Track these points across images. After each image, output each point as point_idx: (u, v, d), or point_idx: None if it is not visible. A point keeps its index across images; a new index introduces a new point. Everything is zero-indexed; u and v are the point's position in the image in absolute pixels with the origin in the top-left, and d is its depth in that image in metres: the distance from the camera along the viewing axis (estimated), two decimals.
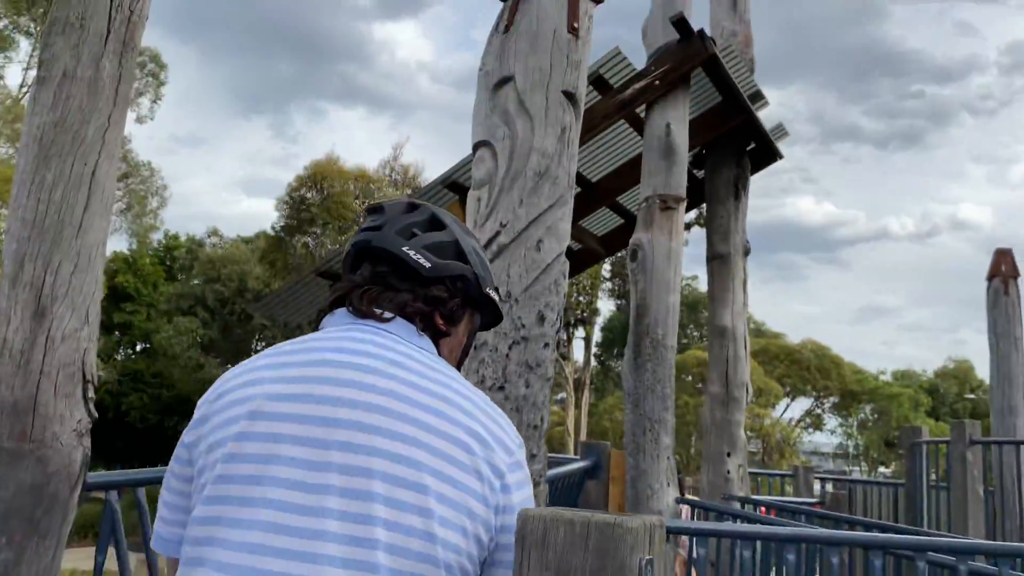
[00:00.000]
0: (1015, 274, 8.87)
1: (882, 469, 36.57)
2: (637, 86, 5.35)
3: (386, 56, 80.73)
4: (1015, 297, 8.81)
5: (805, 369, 33.19)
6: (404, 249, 1.23)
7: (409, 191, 22.89)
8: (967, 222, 75.91)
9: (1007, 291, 8.81)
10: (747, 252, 6.69)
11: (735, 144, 6.55)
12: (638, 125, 5.97)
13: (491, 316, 1.37)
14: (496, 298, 1.35)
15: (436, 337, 1.25)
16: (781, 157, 6.92)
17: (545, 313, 2.64)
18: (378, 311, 1.20)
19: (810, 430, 37.96)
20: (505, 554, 1.06)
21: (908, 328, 70.15)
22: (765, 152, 6.83)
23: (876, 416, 36.94)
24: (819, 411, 37.18)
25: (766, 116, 6.82)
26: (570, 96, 2.80)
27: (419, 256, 1.23)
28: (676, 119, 5.38)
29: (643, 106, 5.54)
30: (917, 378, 43.81)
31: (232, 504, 1.05)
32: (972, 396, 41.74)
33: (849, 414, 37.70)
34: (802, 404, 36.27)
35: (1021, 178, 76.32)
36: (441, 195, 6.53)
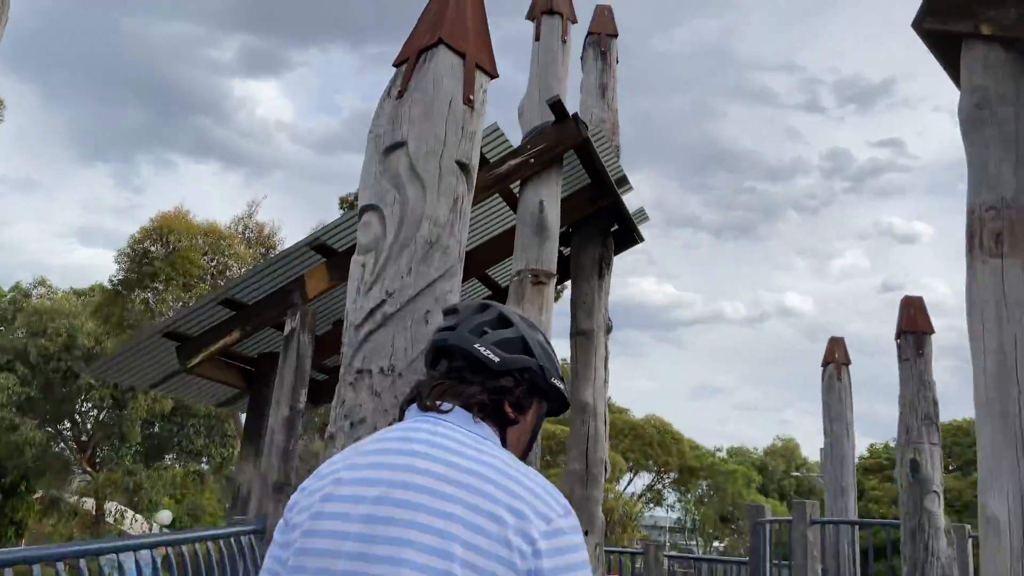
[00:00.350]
0: (847, 361, 9.52)
1: (716, 544, 37.87)
2: (513, 162, 5.42)
3: (244, 113, 78.97)
4: (847, 383, 9.43)
5: (648, 444, 34.16)
6: (476, 346, 1.43)
7: (263, 250, 22.11)
8: (792, 309, 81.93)
9: (840, 377, 9.43)
10: (609, 329, 6.82)
11: (600, 225, 6.73)
12: (511, 200, 6.03)
13: (558, 403, 1.54)
14: (561, 387, 1.50)
15: (505, 424, 1.43)
16: (642, 240, 7.17)
17: None
18: (438, 403, 1.40)
19: (650, 505, 38.92)
20: None
21: (740, 407, 74.19)
22: (627, 234, 7.06)
23: (712, 492, 38.38)
24: (660, 486, 38.24)
25: (628, 200, 7.08)
26: (464, 166, 2.75)
27: (489, 352, 1.43)
28: (549, 197, 5.47)
29: (517, 182, 5.61)
30: (749, 455, 46.08)
31: (308, 574, 1.26)
32: (797, 474, 44.30)
33: (688, 489, 38.97)
34: (644, 479, 37.23)
35: (840, 272, 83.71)
36: (306, 257, 6.30)
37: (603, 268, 6.75)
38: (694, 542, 39.24)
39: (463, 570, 1.16)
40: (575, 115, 5.49)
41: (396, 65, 2.92)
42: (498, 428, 1.42)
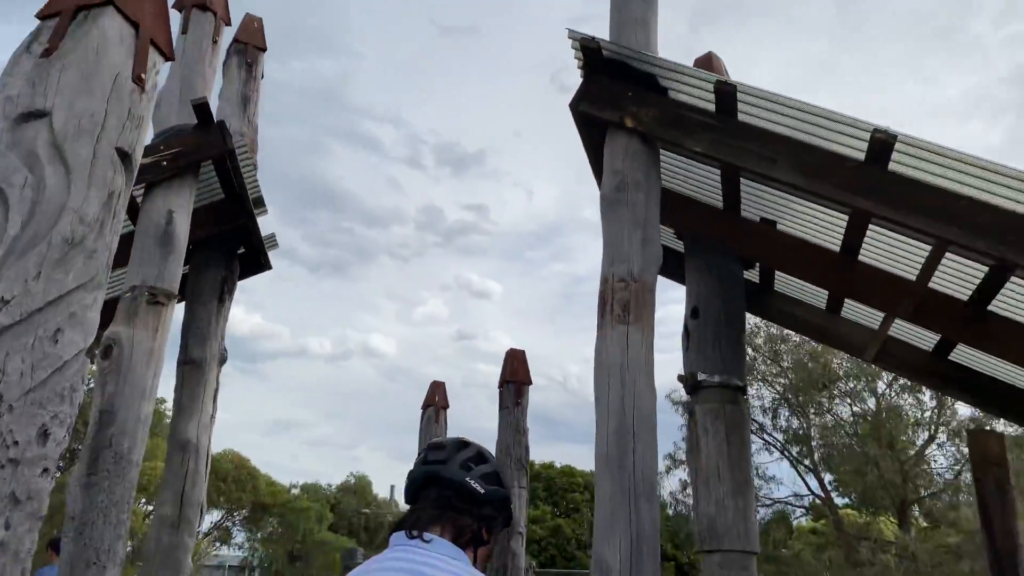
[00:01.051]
0: (446, 405, 9.99)
1: None
2: (142, 160, 4.73)
3: None
4: (443, 425, 9.88)
5: (222, 480, 32.32)
6: (467, 479, 1.75)
7: None
8: (376, 350, 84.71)
9: (437, 419, 9.85)
10: (223, 360, 6.27)
11: (228, 245, 6.21)
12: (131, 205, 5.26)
13: (508, 519, 1.86)
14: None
15: (478, 545, 1.75)
16: (270, 267, 6.77)
17: (51, 428, 1.99)
18: (424, 535, 1.69)
19: (217, 543, 36.72)
20: None
21: (314, 442, 74.04)
22: (255, 259, 6.62)
23: (281, 529, 37.48)
24: (228, 524, 36.30)
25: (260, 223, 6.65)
26: (125, 157, 2.27)
27: (476, 484, 1.75)
28: (180, 208, 4.88)
29: (141, 185, 4.92)
30: (322, 491, 46.09)
31: None
32: (367, 511, 45.38)
33: (257, 527, 37.58)
34: (213, 516, 35.04)
35: (422, 318, 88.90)
36: None
37: (224, 292, 6.21)
38: None
39: None
40: (221, 123, 5.00)
41: (41, 17, 2.33)
42: (473, 550, 1.74)
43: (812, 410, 22.66)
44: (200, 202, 5.77)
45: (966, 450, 21.37)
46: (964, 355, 5.12)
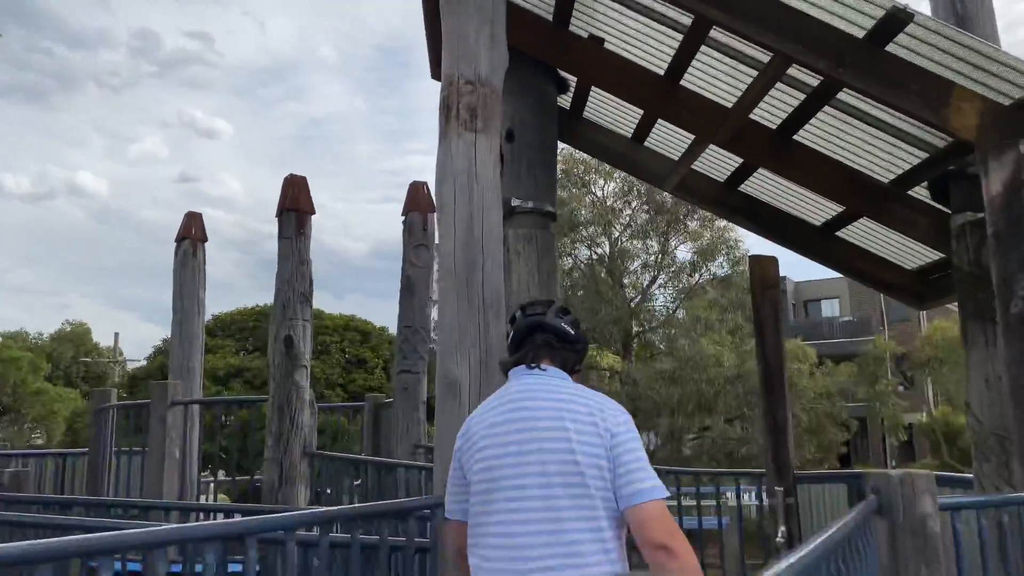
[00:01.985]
0: (204, 238, 9.10)
1: None
2: None
3: None
4: (202, 260, 9.02)
5: None
6: (562, 324, 2.37)
7: None
8: (84, 190, 75.49)
9: (195, 253, 8.96)
10: None
11: None
12: None
13: (584, 356, 2.48)
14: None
15: (572, 373, 2.37)
16: None
17: None
18: (541, 365, 2.32)
19: None
20: (618, 456, 2.09)
21: (13, 290, 65.97)
22: None
23: None
24: None
25: None
26: None
27: (568, 327, 2.38)
28: None
29: None
30: (32, 340, 41.86)
31: (492, 491, 2.17)
32: (87, 359, 42.09)
33: None
34: None
35: (139, 156, 79.87)
36: None
37: None
38: None
39: (578, 445, 2.09)
40: None
41: None
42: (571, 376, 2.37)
43: (556, 253, 23.97)
44: None
45: (683, 285, 23.98)
46: (753, 187, 5.45)
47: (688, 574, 1.92)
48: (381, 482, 6.90)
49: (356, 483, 7.46)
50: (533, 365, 2.28)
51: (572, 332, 2.35)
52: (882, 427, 27.17)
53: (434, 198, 3.64)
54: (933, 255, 5.15)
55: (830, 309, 36.69)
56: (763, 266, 5.35)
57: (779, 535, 5.22)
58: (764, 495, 5.45)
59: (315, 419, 6.93)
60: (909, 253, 5.36)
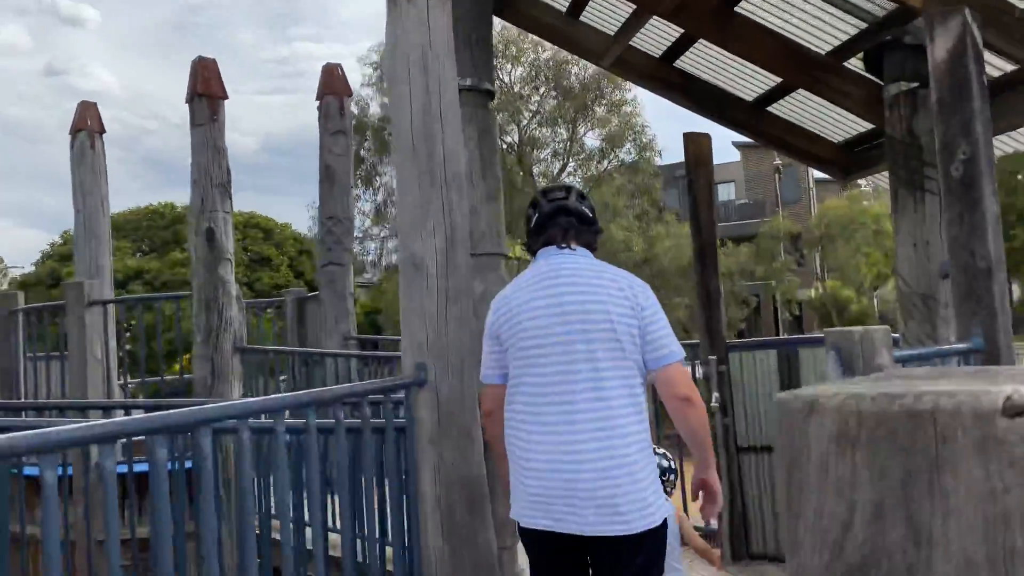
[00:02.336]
0: (101, 129, 8.50)
1: None
2: None
3: None
4: (101, 152, 8.46)
5: None
6: (583, 208, 2.66)
7: None
8: None
9: (93, 146, 8.38)
10: None
11: None
12: None
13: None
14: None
15: (593, 251, 2.66)
16: None
17: None
18: (571, 245, 2.61)
19: None
20: (647, 325, 2.47)
21: None
22: None
23: None
24: None
25: None
26: None
27: (587, 211, 2.66)
28: None
29: None
30: None
31: (530, 356, 2.48)
32: None
33: None
34: None
35: None
36: None
37: None
38: None
39: (616, 313, 2.46)
40: None
41: None
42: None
43: (496, 132, 23.53)
44: None
45: (592, 173, 24.13)
46: (688, 62, 5.43)
47: (703, 417, 2.50)
48: (309, 374, 6.86)
49: (282, 377, 7.39)
50: (564, 245, 2.57)
51: (591, 215, 2.62)
52: (774, 302, 28.62)
53: (385, 73, 3.46)
54: (860, 127, 5.30)
55: (726, 193, 37.72)
56: (697, 143, 5.40)
57: (713, 401, 5.50)
58: (698, 364, 5.70)
59: (244, 314, 6.76)
60: (836, 127, 5.50)
